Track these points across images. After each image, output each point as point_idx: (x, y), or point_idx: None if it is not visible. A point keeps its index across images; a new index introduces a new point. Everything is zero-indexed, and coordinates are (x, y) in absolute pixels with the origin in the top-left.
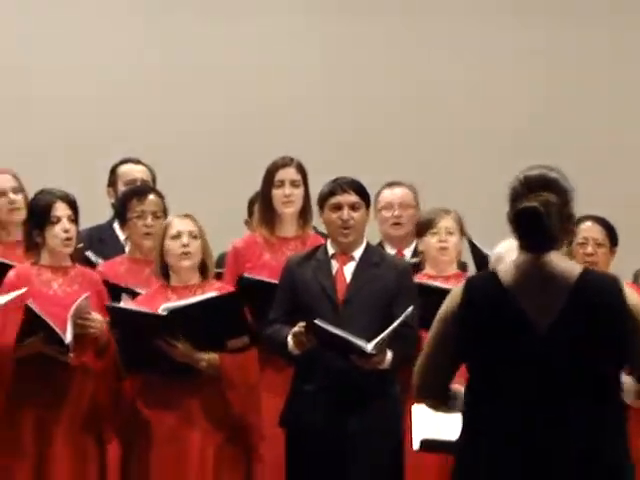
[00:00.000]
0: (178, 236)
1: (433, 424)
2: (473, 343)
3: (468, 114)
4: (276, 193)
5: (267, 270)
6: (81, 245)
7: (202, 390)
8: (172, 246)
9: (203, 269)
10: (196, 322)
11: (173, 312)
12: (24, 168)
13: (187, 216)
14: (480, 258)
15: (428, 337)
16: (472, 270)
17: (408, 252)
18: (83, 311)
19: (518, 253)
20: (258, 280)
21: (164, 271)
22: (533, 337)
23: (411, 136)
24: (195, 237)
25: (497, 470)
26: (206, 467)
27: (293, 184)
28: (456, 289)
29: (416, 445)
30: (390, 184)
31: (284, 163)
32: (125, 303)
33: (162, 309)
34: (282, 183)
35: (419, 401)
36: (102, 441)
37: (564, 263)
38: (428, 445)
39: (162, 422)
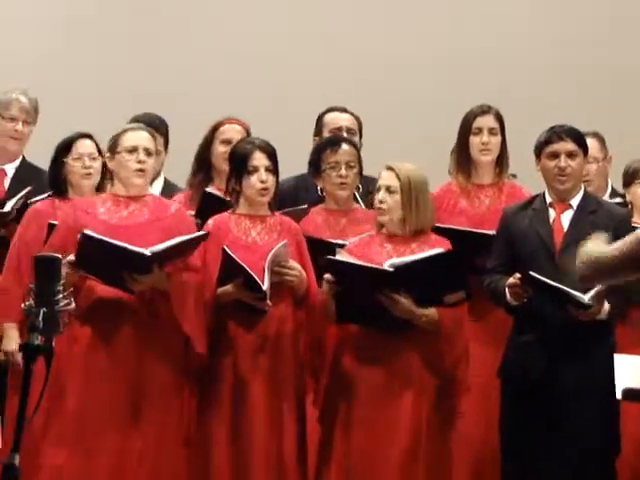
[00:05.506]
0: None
1: (637, 373)
2: None
3: None
4: (473, 140)
5: (464, 217)
6: None
7: (418, 346)
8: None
9: None
10: (419, 277)
11: (399, 268)
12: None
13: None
14: None
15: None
16: None
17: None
18: (281, 259)
19: None
20: (451, 229)
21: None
22: None
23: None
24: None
25: None
26: (420, 426)
27: (491, 132)
28: None
29: (619, 394)
30: None
31: (482, 111)
32: (342, 256)
33: (388, 265)
34: (480, 130)
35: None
36: (301, 394)
37: None
38: (631, 394)
39: (370, 380)
